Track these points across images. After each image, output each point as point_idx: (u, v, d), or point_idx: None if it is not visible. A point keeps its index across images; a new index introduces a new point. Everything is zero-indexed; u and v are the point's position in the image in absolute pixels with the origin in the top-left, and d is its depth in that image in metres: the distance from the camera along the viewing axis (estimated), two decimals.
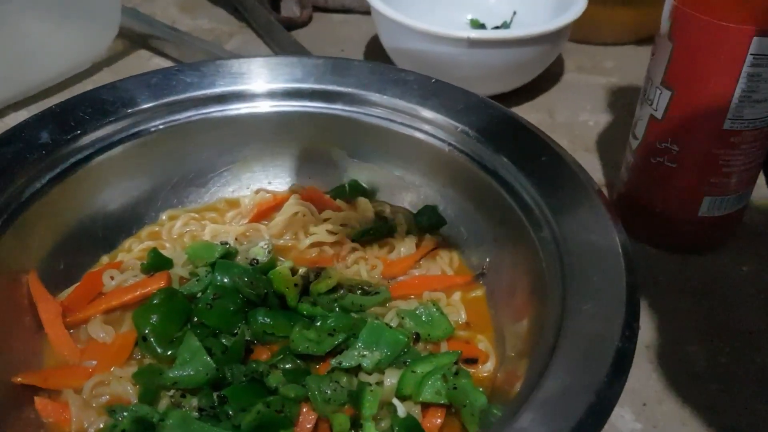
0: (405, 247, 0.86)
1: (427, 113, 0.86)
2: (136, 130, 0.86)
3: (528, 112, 1.18)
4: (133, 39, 1.33)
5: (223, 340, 0.72)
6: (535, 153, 0.79)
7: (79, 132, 0.82)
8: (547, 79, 1.24)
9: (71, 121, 0.83)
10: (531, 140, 0.81)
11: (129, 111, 0.85)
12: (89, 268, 0.83)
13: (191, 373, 0.68)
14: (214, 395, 0.67)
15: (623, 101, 1.21)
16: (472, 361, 0.74)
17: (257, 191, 0.93)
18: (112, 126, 0.84)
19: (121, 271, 0.81)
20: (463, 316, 0.79)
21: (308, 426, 0.66)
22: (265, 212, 0.90)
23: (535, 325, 0.69)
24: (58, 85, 1.20)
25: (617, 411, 0.72)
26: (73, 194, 0.82)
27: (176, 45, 1.27)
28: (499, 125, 0.83)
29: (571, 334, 0.62)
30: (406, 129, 0.87)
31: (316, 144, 0.92)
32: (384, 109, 0.88)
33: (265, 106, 0.90)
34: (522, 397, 0.58)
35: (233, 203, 0.93)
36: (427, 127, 0.86)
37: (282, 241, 0.87)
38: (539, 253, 0.72)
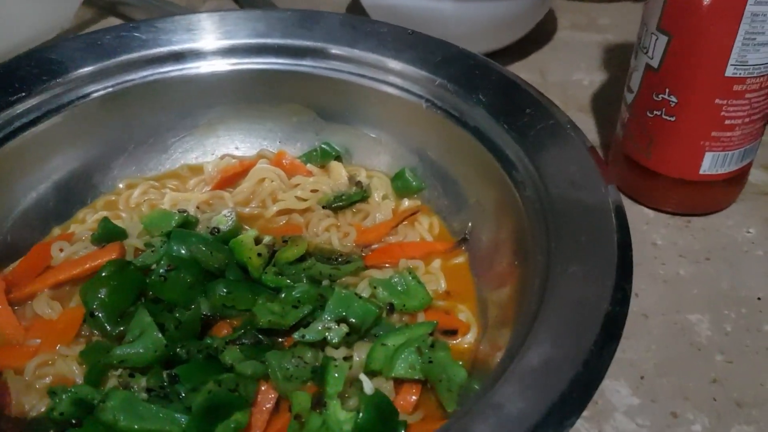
0: (381, 213, 0.79)
1: (402, 67, 0.79)
2: (86, 91, 0.79)
3: (518, 71, 1.09)
4: (101, 5, 1.26)
5: (178, 315, 0.65)
6: (520, 107, 0.72)
7: (23, 94, 0.76)
8: (539, 37, 1.18)
9: (15, 82, 0.76)
10: (515, 93, 0.74)
11: (78, 71, 0.79)
12: (38, 241, 0.76)
13: (140, 350, 0.62)
14: (164, 374, 0.60)
15: (619, 60, 1.14)
16: (452, 333, 0.68)
17: (222, 157, 0.87)
18: (59, 87, 0.78)
19: (72, 243, 0.75)
20: (443, 285, 0.73)
21: (267, 406, 0.60)
22: (230, 179, 0.84)
23: (519, 291, 0.63)
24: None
25: (612, 385, 0.66)
26: (19, 161, 0.76)
27: (146, 10, 1.21)
28: (480, 78, 0.76)
29: (554, 298, 0.55)
30: (380, 85, 0.81)
31: (284, 105, 0.85)
32: (356, 64, 0.82)
33: (225, 64, 0.83)
34: (500, 369, 0.51)
35: (196, 170, 0.86)
36: (402, 82, 0.79)
37: (248, 210, 0.81)
38: (523, 213, 0.66)
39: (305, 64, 0.83)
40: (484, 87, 0.75)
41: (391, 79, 0.80)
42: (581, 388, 0.49)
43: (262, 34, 0.83)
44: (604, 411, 0.67)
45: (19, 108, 0.76)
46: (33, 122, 0.76)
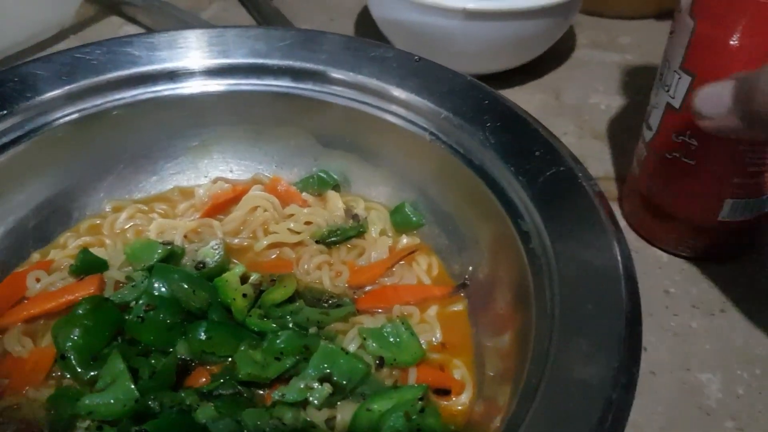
0: (377, 252, 0.75)
1: (407, 96, 0.75)
2: (74, 108, 0.75)
3: (532, 92, 1.06)
4: (103, 4, 1.22)
5: (153, 362, 0.61)
6: (530, 148, 0.67)
7: (4, 112, 0.72)
8: (556, 55, 1.12)
9: None
10: (525, 132, 0.69)
11: (66, 87, 0.74)
12: (16, 266, 0.72)
13: (111, 401, 0.58)
14: (133, 430, 0.56)
15: (640, 83, 1.09)
16: (445, 393, 0.63)
17: (215, 180, 0.83)
18: (45, 105, 0.74)
19: (50, 272, 0.71)
20: (438, 336, 0.68)
21: None
22: (221, 205, 0.80)
23: (519, 345, 0.58)
24: (18, 54, 1.09)
25: None
26: None
27: (149, 12, 1.16)
28: (487, 112, 0.71)
29: (556, 376, 0.50)
30: (383, 113, 0.76)
31: (282, 128, 0.81)
32: (359, 90, 0.77)
33: (222, 84, 0.79)
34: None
35: (187, 193, 0.82)
36: (406, 113, 0.75)
37: (237, 240, 0.76)
38: (527, 270, 0.61)
39: (306, 88, 0.78)
40: (492, 123, 0.70)
41: (395, 108, 0.75)
42: None
43: (262, 54, 0.79)
44: None
45: (1, 125, 0.71)
46: (15, 141, 0.72)
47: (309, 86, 0.79)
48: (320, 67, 0.78)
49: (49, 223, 0.76)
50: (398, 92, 0.75)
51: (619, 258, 0.57)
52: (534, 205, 0.64)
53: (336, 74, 0.78)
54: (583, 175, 0.64)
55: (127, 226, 0.77)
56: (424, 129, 0.74)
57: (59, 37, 1.15)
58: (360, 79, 0.77)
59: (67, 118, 0.75)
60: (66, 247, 0.75)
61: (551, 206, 0.63)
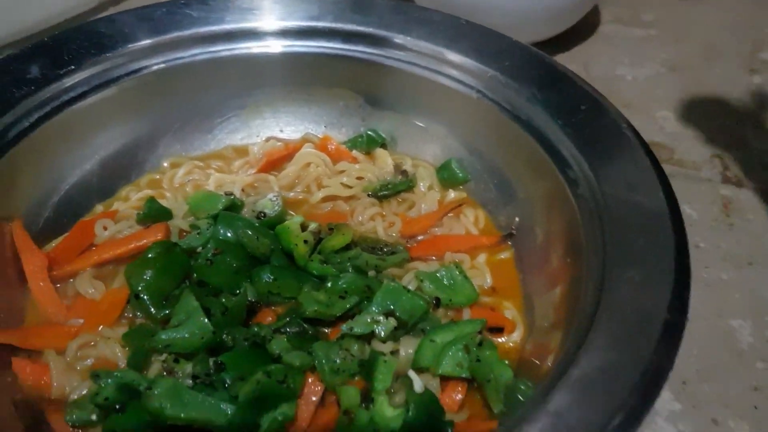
0: (426, 204, 0.78)
1: (455, 57, 0.78)
2: (136, 67, 0.79)
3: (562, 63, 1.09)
4: None
5: (224, 300, 0.64)
6: (574, 102, 0.71)
7: (72, 67, 0.75)
8: (582, 30, 1.16)
9: (65, 55, 0.75)
10: (570, 88, 0.73)
11: (128, 46, 0.78)
12: (81, 218, 0.76)
13: (186, 335, 0.62)
14: (210, 361, 0.60)
15: (663, 56, 1.12)
16: (497, 331, 0.67)
17: (267, 139, 0.86)
18: (109, 62, 0.77)
19: (116, 221, 0.75)
20: (489, 281, 0.72)
21: (314, 399, 0.59)
22: (275, 162, 0.83)
23: (571, 293, 0.62)
24: (60, 24, 1.12)
25: None
26: (64, 135, 0.75)
27: None
28: (534, 71, 0.75)
29: (612, 304, 0.54)
30: (431, 74, 0.80)
31: (332, 89, 0.85)
32: (408, 51, 0.80)
33: (277, 46, 0.82)
34: (556, 374, 0.51)
35: (241, 151, 0.85)
36: (454, 72, 0.78)
37: (292, 194, 0.80)
38: (576, 212, 0.65)
39: (356, 50, 0.82)
40: (538, 81, 0.74)
41: (443, 68, 0.79)
42: (641, 398, 0.48)
43: (315, 17, 0.82)
44: None
45: (68, 82, 0.75)
46: (81, 96, 0.76)
47: (359, 48, 0.82)
48: (370, 30, 0.81)
49: (112, 178, 0.80)
50: (446, 53, 0.79)
51: (664, 197, 0.61)
52: (581, 155, 0.67)
53: (386, 36, 0.81)
54: (628, 126, 0.68)
55: (185, 181, 0.80)
56: (471, 87, 0.77)
57: (98, 9, 1.18)
58: (409, 41, 0.80)
59: (132, 77, 0.78)
60: (128, 200, 0.78)
61: (599, 155, 0.66)
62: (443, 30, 0.80)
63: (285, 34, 0.82)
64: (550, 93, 0.73)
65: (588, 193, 0.64)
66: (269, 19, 0.82)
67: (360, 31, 0.82)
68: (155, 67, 0.79)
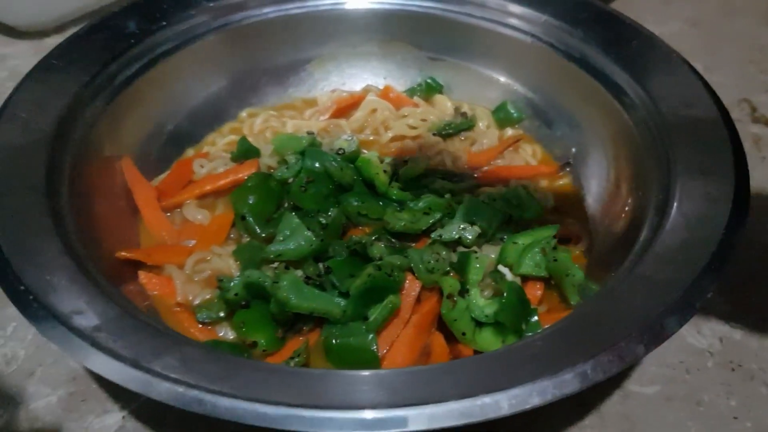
0: (487, 140, 0.86)
1: (509, 6, 0.86)
2: (218, 24, 0.86)
3: None
4: None
5: (321, 220, 0.72)
6: (626, 39, 0.78)
7: (164, 23, 0.82)
8: None
9: (156, 12, 0.82)
10: (620, 27, 0.81)
11: (211, 5, 0.85)
12: (177, 159, 0.83)
13: (293, 246, 0.69)
14: (320, 265, 0.67)
15: (685, 14, 1.20)
16: (565, 241, 0.74)
17: (333, 91, 0.93)
18: (195, 19, 0.84)
19: (210, 160, 0.82)
20: (551, 202, 0.79)
21: (413, 294, 0.67)
22: (343, 110, 0.91)
23: (636, 200, 0.70)
24: (116, 1, 1.18)
25: (692, 329, 0.73)
26: (160, 85, 0.82)
27: None
28: (584, 14, 0.82)
29: (683, 194, 0.62)
30: (486, 23, 0.87)
31: (391, 43, 0.92)
32: (463, 3, 0.88)
33: (341, 4, 0.90)
34: (643, 247, 0.58)
35: (310, 102, 0.93)
36: (508, 20, 0.86)
37: (362, 136, 0.87)
38: (634, 132, 0.73)
39: (414, 4, 0.89)
40: (588, 22, 0.81)
41: (497, 16, 0.86)
42: (718, 264, 0.55)
43: None
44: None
45: (160, 37, 0.82)
46: (172, 50, 0.83)
47: (415, 2, 0.89)
48: None
49: (198, 126, 0.87)
50: (499, 2, 0.86)
51: (716, 108, 0.69)
52: (635, 81, 0.75)
53: None
54: (678, 56, 0.76)
55: (264, 127, 0.88)
56: (526, 33, 0.85)
57: None
58: None
59: (210, 35, 0.86)
60: (215, 144, 0.86)
61: (652, 80, 0.74)
62: None
63: None
64: (602, 32, 0.80)
65: (645, 113, 0.72)
66: None
67: None
68: (235, 24, 0.87)
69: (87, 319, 0.52)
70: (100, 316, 0.52)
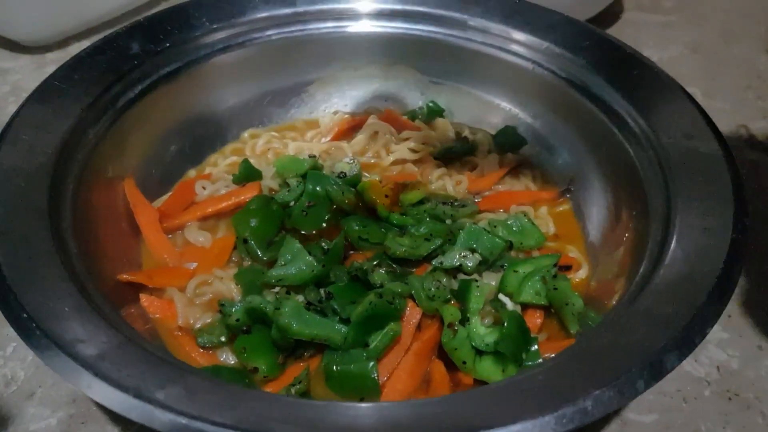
0: (488, 165, 0.86)
1: (510, 31, 0.86)
2: (222, 46, 0.86)
3: None
4: None
5: (323, 244, 0.72)
6: (627, 68, 0.79)
7: (168, 45, 0.82)
8: (607, 17, 1.24)
9: (160, 33, 0.83)
10: (621, 55, 0.81)
11: (215, 26, 0.85)
12: (179, 180, 0.84)
13: (295, 271, 0.69)
14: (322, 291, 0.67)
15: (685, 39, 1.21)
16: (566, 268, 0.75)
17: (335, 113, 0.94)
18: (198, 41, 0.85)
19: (212, 181, 0.82)
20: (552, 228, 0.80)
21: (413, 321, 0.67)
22: (344, 132, 0.91)
23: (636, 231, 0.70)
24: (120, 17, 1.19)
25: (690, 357, 0.71)
26: (163, 106, 0.83)
27: None
28: (586, 42, 0.83)
29: (682, 226, 0.62)
30: (489, 48, 0.88)
31: (393, 66, 0.93)
32: (464, 29, 0.88)
33: (343, 27, 0.90)
34: (643, 281, 0.59)
35: (311, 124, 0.94)
36: (510, 46, 0.86)
37: (364, 159, 0.88)
38: (634, 160, 0.73)
39: (416, 28, 0.89)
40: (590, 50, 0.82)
41: (499, 42, 0.86)
42: (717, 299, 0.56)
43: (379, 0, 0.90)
44: None
45: (162, 59, 0.83)
46: (175, 72, 0.84)
47: (419, 27, 0.90)
48: (430, 10, 0.89)
49: (201, 147, 0.88)
50: (501, 29, 0.87)
51: (716, 140, 0.69)
52: (636, 111, 0.75)
53: (444, 15, 0.89)
54: (677, 85, 0.76)
55: (266, 149, 0.88)
56: (527, 59, 0.86)
57: (152, 3, 1.25)
58: (466, 19, 0.88)
59: (214, 58, 0.86)
60: (217, 165, 0.86)
61: (653, 111, 0.74)
62: (498, 8, 0.88)
63: (351, 16, 0.90)
64: (603, 60, 0.81)
65: (645, 143, 0.73)
66: (330, 3, 0.90)
67: (420, 12, 0.89)
68: (237, 47, 0.87)
69: (90, 348, 0.52)
70: (103, 344, 0.52)
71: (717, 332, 0.76)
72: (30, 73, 1.08)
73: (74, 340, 0.52)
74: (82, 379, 0.50)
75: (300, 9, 0.90)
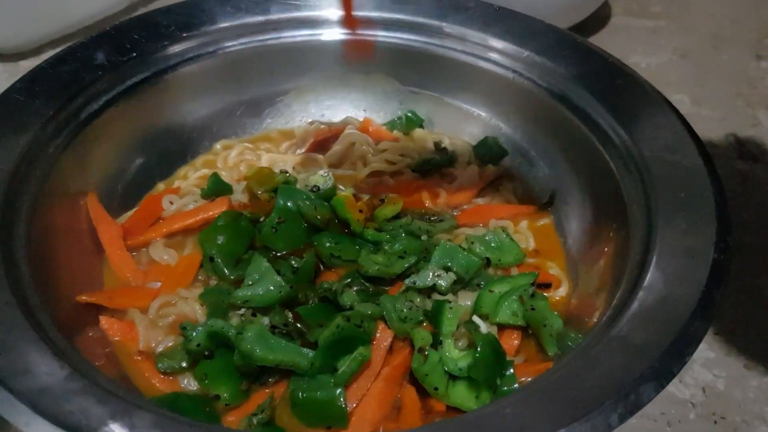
0: (467, 177, 0.83)
1: (490, 40, 0.83)
2: (192, 55, 0.84)
3: None
4: None
5: (293, 262, 0.69)
6: (609, 76, 0.76)
7: (134, 54, 0.79)
8: (595, 22, 1.22)
9: (126, 43, 0.80)
10: (603, 65, 0.78)
11: (184, 35, 0.83)
12: (146, 194, 0.81)
13: (263, 292, 0.66)
14: (288, 313, 0.65)
15: (674, 44, 1.18)
16: (546, 286, 0.72)
17: (311, 123, 0.91)
18: (167, 49, 0.82)
19: (180, 196, 0.79)
20: (532, 244, 0.77)
21: (384, 344, 0.64)
22: (320, 143, 0.88)
23: (617, 247, 0.67)
24: (96, 24, 1.16)
25: (675, 378, 0.70)
26: (129, 118, 0.80)
27: None
28: (567, 50, 0.80)
29: (663, 247, 0.60)
30: (467, 57, 0.85)
31: (371, 75, 0.90)
32: (443, 38, 0.86)
33: (319, 35, 0.88)
34: (619, 306, 0.56)
35: (286, 134, 0.91)
36: (490, 55, 0.84)
37: (340, 171, 0.85)
38: (616, 175, 0.71)
39: (395, 36, 0.87)
40: (571, 59, 0.79)
41: (480, 51, 0.84)
42: (698, 324, 0.53)
43: (355, 6, 0.87)
44: None
45: (129, 69, 0.80)
46: (142, 82, 0.81)
47: (398, 35, 0.87)
48: (408, 18, 0.86)
49: (170, 159, 0.85)
50: (481, 36, 0.84)
51: (700, 154, 0.66)
52: (617, 123, 0.73)
53: (423, 23, 0.86)
54: (662, 98, 0.73)
55: (239, 161, 0.85)
56: (507, 68, 0.83)
57: (129, 10, 1.22)
58: (445, 27, 0.85)
59: (183, 66, 0.83)
60: (187, 178, 0.83)
61: (635, 123, 0.72)
62: (478, 16, 0.85)
63: (326, 23, 0.87)
64: (584, 69, 0.78)
65: (627, 157, 0.70)
66: (305, 10, 0.87)
67: (398, 20, 0.87)
68: (209, 55, 0.84)
69: (32, 380, 0.49)
70: (47, 376, 0.49)
71: (703, 351, 0.74)
72: (1, 82, 1.06)
73: (16, 372, 0.49)
74: (20, 415, 0.47)
75: (273, 17, 0.86)
